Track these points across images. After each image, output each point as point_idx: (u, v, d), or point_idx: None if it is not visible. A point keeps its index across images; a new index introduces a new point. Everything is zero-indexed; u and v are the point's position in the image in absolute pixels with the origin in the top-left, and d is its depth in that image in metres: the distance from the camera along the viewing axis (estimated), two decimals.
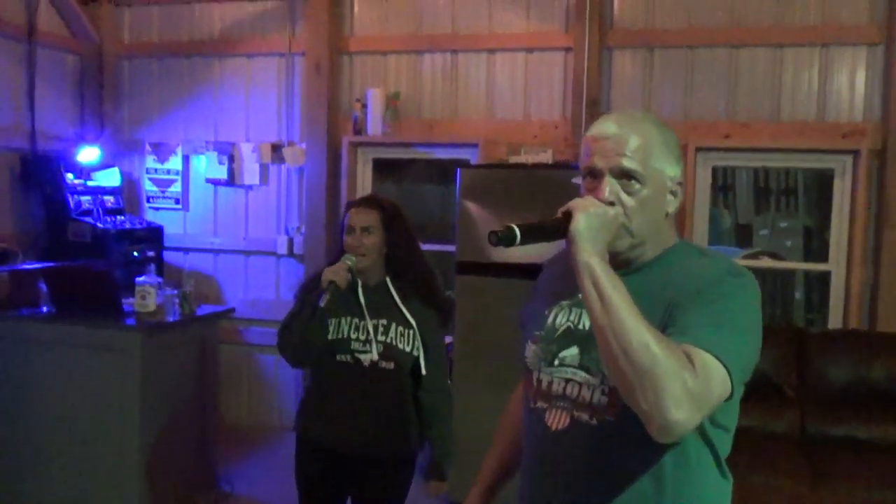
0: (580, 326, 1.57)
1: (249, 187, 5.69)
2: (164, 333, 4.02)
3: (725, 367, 1.35)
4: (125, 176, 5.83)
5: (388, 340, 2.64)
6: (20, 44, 5.26)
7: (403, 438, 2.71)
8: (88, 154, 5.39)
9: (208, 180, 5.75)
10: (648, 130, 1.53)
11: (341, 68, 5.44)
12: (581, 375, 1.53)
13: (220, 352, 5.74)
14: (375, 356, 2.62)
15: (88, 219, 5.19)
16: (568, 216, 1.43)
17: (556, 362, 1.57)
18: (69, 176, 5.29)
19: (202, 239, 5.79)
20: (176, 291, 4.17)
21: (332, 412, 2.69)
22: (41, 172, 5.24)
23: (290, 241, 5.57)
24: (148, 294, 3.95)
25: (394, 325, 2.65)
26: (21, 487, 4.09)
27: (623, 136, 1.51)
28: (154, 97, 5.87)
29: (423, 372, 2.68)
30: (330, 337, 2.64)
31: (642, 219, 1.51)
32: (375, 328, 2.64)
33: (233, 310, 4.81)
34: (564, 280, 1.57)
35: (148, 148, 5.85)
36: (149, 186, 5.87)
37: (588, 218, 1.41)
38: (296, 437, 2.84)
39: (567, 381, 1.55)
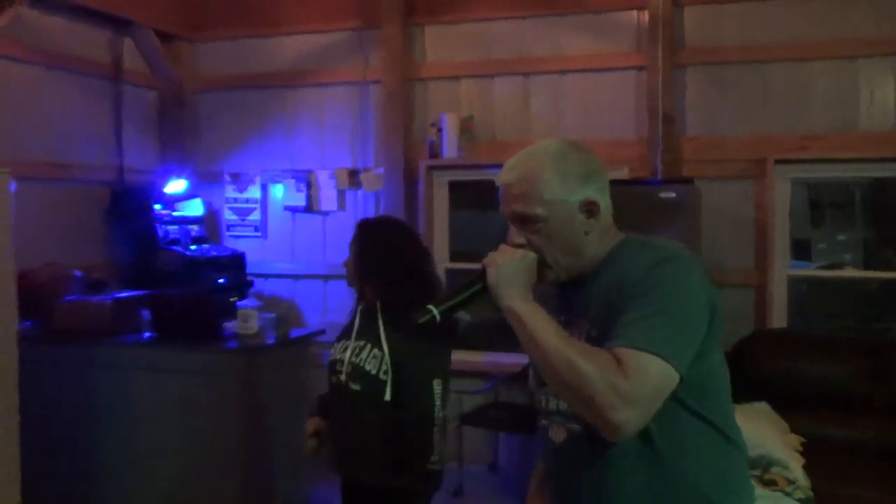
0: None
1: (327, 213, 5.82)
2: (266, 355, 4.14)
3: (662, 357, 1.43)
4: (206, 206, 6.01)
5: (357, 361, 2.58)
6: (107, 82, 5.48)
7: (392, 464, 2.56)
8: (176, 185, 5.57)
9: (286, 208, 5.90)
10: (538, 167, 1.62)
11: (414, 95, 5.58)
12: None
13: (301, 376, 5.90)
14: (344, 376, 2.61)
15: (177, 248, 5.36)
16: (483, 273, 1.60)
17: (546, 382, 1.64)
18: (157, 207, 5.47)
19: (281, 265, 5.93)
20: (273, 315, 4.30)
21: (334, 436, 2.76)
22: (129, 205, 5.42)
23: None
24: (250, 317, 4.09)
25: (368, 347, 2.59)
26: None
27: (512, 181, 1.63)
28: (231, 129, 6.05)
29: (387, 397, 2.52)
30: (330, 358, 2.73)
31: (556, 248, 1.61)
32: (353, 350, 2.62)
33: (323, 331, 4.91)
34: (551, 301, 1.68)
35: (227, 178, 6.03)
36: (229, 215, 6.04)
37: (498, 269, 1.57)
38: None
39: (557, 396, 1.65)
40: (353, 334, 2.68)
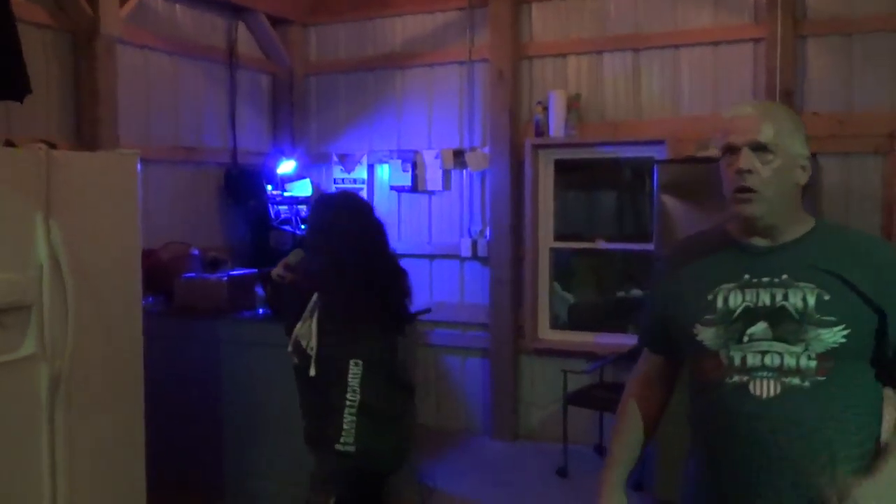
0: (760, 304, 1.71)
1: (433, 193, 5.86)
2: None
3: None
4: (315, 186, 6.15)
5: (298, 336, 2.65)
6: (223, 67, 5.66)
7: (308, 440, 2.71)
8: (286, 167, 5.72)
9: (392, 187, 5.97)
10: (779, 114, 1.76)
11: (521, 73, 5.53)
12: (779, 346, 1.68)
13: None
14: (290, 348, 2.67)
15: (287, 227, 5.51)
16: None
17: (746, 339, 1.71)
18: (269, 188, 5.63)
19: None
20: None
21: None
22: (244, 186, 5.60)
23: (475, 244, 5.70)
24: None
25: (307, 323, 2.63)
26: (246, 470, 4.40)
27: (757, 116, 1.73)
28: (340, 111, 6.15)
29: (311, 373, 2.57)
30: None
31: (776, 186, 1.70)
32: (301, 324, 2.65)
33: (429, 310, 4.96)
34: (718, 265, 1.79)
35: (335, 159, 6.14)
36: None
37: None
38: None
39: (763, 353, 1.70)
40: (309, 310, 2.69)
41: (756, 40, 4.89)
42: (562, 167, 5.62)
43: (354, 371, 2.55)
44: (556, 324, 5.79)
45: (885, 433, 1.75)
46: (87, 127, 4.48)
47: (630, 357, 4.88)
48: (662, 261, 2.06)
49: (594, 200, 6.25)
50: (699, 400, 1.82)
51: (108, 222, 3.60)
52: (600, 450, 5.30)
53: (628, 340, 4.90)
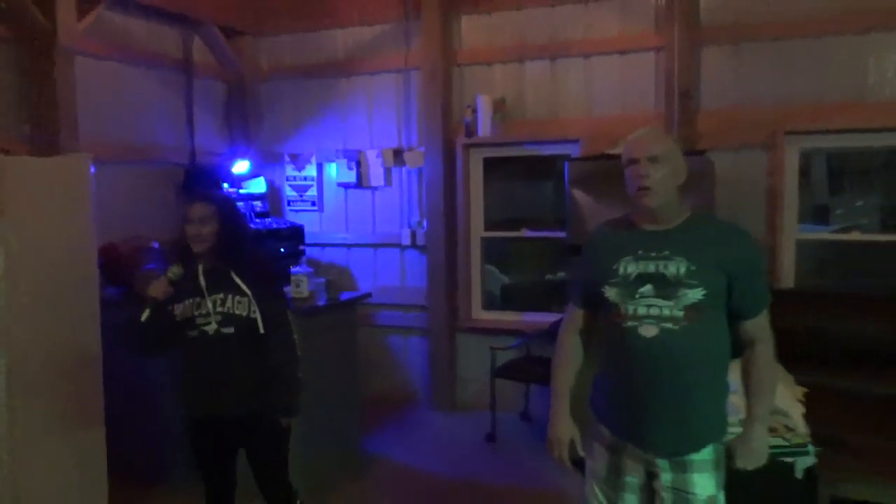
0: (648, 271, 2.18)
1: (376, 188, 5.89)
2: (317, 316, 4.23)
3: None
4: (269, 184, 6.13)
5: (226, 310, 2.79)
6: (179, 75, 5.61)
7: (261, 390, 2.85)
8: (241, 166, 5.70)
9: (339, 184, 5.99)
10: (665, 138, 2.24)
11: (452, 78, 5.57)
12: (660, 301, 2.16)
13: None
14: (215, 325, 2.78)
15: None
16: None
17: (637, 296, 2.18)
18: (224, 185, 5.61)
19: (336, 235, 6.03)
20: (323, 280, 4.39)
21: (197, 383, 2.88)
22: (201, 184, 5.55)
23: (413, 234, 5.74)
24: (302, 282, 4.18)
25: (230, 297, 2.80)
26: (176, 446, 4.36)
27: (651, 137, 2.21)
28: (290, 114, 6.14)
29: (262, 330, 2.81)
30: (178, 319, 2.81)
31: (664, 185, 2.16)
32: (214, 302, 2.79)
33: (369, 294, 5.00)
34: (624, 243, 2.24)
35: (287, 158, 6.13)
36: (289, 192, 6.15)
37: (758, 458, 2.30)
38: (183, 416, 2.99)
39: (649, 306, 2.17)
40: (205, 291, 2.81)
41: (658, 48, 4.99)
42: (491, 163, 5.68)
43: (291, 318, 2.96)
44: (488, 305, 5.87)
45: (756, 400, 2.27)
46: (46, 132, 4.42)
47: (551, 333, 5.00)
48: (586, 241, 2.45)
49: (521, 193, 6.32)
50: (607, 337, 2.27)
51: (61, 221, 3.58)
52: (526, 416, 5.41)
53: (551, 318, 4.98)
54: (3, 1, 4.22)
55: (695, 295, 2.12)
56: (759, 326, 2.23)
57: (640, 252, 2.20)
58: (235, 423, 2.89)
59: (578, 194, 4.29)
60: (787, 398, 3.73)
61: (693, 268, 2.13)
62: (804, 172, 6.80)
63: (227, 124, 6.12)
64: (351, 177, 5.90)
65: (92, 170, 3.73)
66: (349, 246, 6.02)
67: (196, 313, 2.80)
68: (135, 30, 5.25)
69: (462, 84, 5.57)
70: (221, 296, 2.80)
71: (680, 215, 2.22)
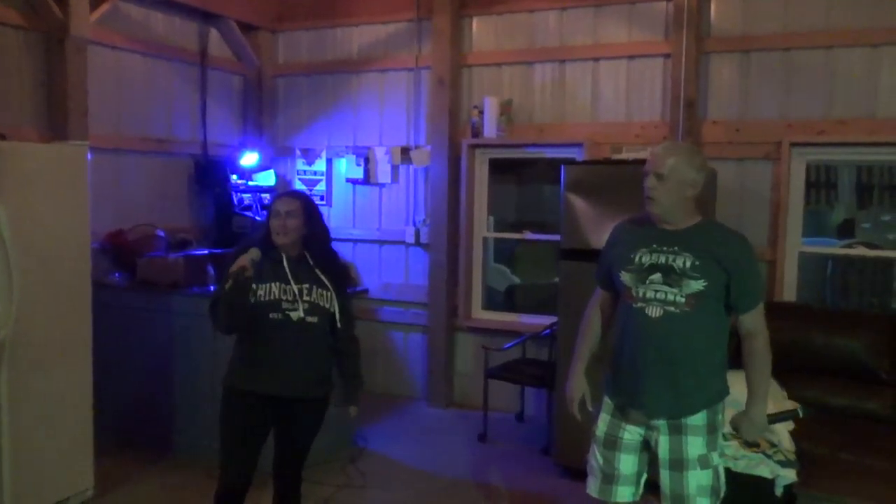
0: (659, 262, 2.50)
1: (383, 185, 5.85)
2: None
3: None
4: (280, 177, 6.13)
5: (312, 300, 2.88)
6: (195, 68, 5.62)
7: (326, 378, 3.00)
8: (249, 158, 5.70)
9: (348, 180, 5.96)
10: (678, 153, 2.51)
11: (461, 80, 5.51)
12: (666, 288, 2.48)
13: (358, 329, 5.98)
14: (302, 313, 2.85)
15: (249, 213, 5.50)
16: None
17: (647, 282, 2.51)
18: (234, 177, 5.61)
19: (343, 230, 6.00)
20: None
21: (268, 362, 2.88)
22: (211, 175, 5.59)
23: (417, 232, 5.70)
24: None
25: (315, 288, 2.89)
26: (198, 431, 4.41)
27: (662, 154, 2.50)
28: (303, 109, 6.13)
29: (339, 325, 2.94)
30: (263, 300, 2.84)
31: (667, 198, 2.48)
32: (300, 291, 2.87)
33: (366, 291, 4.97)
34: (642, 237, 2.56)
35: (298, 153, 6.12)
36: (299, 185, 6.14)
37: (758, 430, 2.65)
38: (224, 391, 2.97)
39: (656, 291, 2.49)
40: (291, 279, 2.87)
41: (666, 55, 4.87)
42: (498, 165, 5.60)
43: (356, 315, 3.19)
44: (490, 304, 5.80)
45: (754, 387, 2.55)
46: (57, 120, 4.45)
47: (544, 337, 4.92)
48: (611, 232, 2.74)
49: (526, 195, 6.24)
50: (621, 315, 2.61)
51: (57, 206, 3.60)
52: (521, 417, 5.33)
53: (549, 321, 4.89)
54: None
55: (697, 285, 2.45)
56: (754, 320, 2.51)
57: (654, 245, 2.52)
58: (290, 405, 2.92)
59: (573, 199, 4.19)
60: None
61: (697, 263, 2.45)
62: (830, 185, 6.64)
63: (241, 118, 6.12)
64: (359, 173, 5.87)
65: (89, 157, 3.75)
66: (355, 241, 5.99)
67: (283, 297, 2.85)
68: (153, 22, 5.28)
69: (471, 85, 5.50)
70: (307, 286, 2.88)
71: (690, 219, 2.53)
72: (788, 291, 4.64)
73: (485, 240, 5.66)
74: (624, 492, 2.62)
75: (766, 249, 4.62)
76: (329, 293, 2.91)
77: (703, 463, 2.50)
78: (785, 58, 4.63)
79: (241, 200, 5.55)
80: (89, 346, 3.81)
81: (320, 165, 6.05)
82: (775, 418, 3.04)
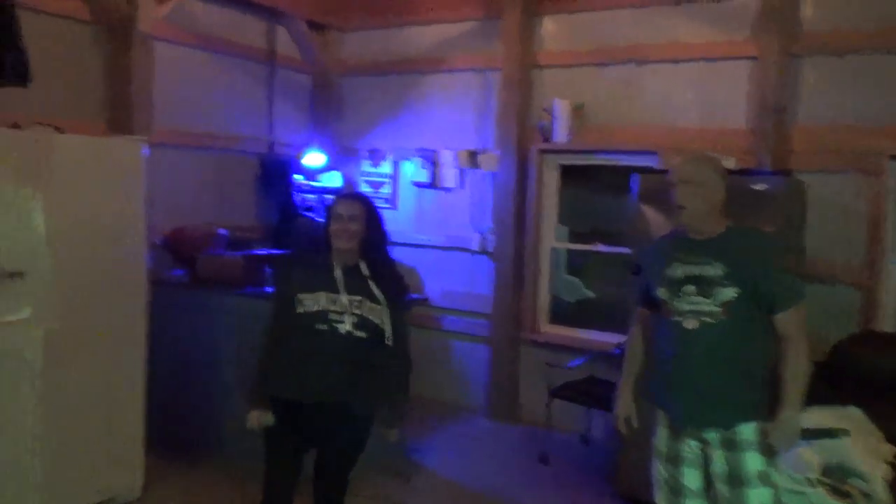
0: (692, 274, 2.52)
1: (449, 190, 5.65)
2: None
3: None
4: (346, 179, 6.01)
5: (362, 314, 2.70)
6: (261, 66, 5.56)
7: (370, 396, 2.79)
8: (314, 159, 5.59)
9: (414, 183, 5.79)
10: (702, 163, 2.58)
11: (532, 81, 5.25)
12: (700, 299, 2.50)
13: (419, 336, 5.78)
14: (349, 326, 2.68)
15: (311, 214, 5.38)
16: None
17: (681, 294, 2.54)
18: (298, 177, 5.52)
19: (408, 235, 5.82)
20: None
21: (310, 374, 2.71)
22: (276, 175, 5.51)
23: (483, 240, 5.47)
24: None
25: (366, 302, 2.71)
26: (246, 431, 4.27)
27: (687, 164, 2.58)
28: (370, 110, 5.99)
29: (389, 343, 2.75)
30: (310, 310, 2.68)
31: (695, 205, 2.51)
32: (350, 303, 2.70)
33: (426, 300, 4.77)
34: (673, 251, 2.60)
35: (364, 154, 5.99)
36: (365, 188, 6.01)
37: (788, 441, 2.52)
38: (270, 400, 2.79)
39: (691, 302, 2.51)
40: (341, 289, 2.70)
41: (751, 57, 4.50)
42: (568, 171, 5.31)
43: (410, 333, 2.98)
44: (558, 317, 5.51)
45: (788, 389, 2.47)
46: (122, 115, 4.43)
47: (615, 356, 4.60)
48: (646, 250, 2.88)
49: (601, 202, 5.93)
50: (658, 329, 2.66)
51: (111, 200, 3.54)
52: (586, 440, 5.02)
53: (615, 338, 4.58)
54: None
55: (729, 294, 2.45)
56: (788, 323, 2.47)
57: (685, 257, 2.55)
58: (332, 416, 2.76)
59: (647, 210, 3.89)
60: (870, 458, 3.21)
61: (728, 270, 2.46)
62: None
63: (308, 117, 6.04)
64: (425, 177, 5.69)
65: (145, 152, 3.68)
66: (419, 247, 5.80)
67: (330, 308, 2.69)
68: (220, 19, 5.23)
69: (542, 87, 5.24)
70: (358, 298, 2.71)
71: (719, 226, 2.54)
72: (889, 320, 4.18)
73: (553, 250, 5.38)
74: None
75: (861, 270, 4.19)
76: (381, 308, 2.73)
77: (764, 479, 2.48)
78: (887, 60, 4.19)
79: (304, 201, 5.45)
80: (143, 343, 3.75)
81: (386, 168, 5.90)
82: (814, 433, 2.97)
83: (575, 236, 5.82)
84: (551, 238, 5.35)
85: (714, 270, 2.46)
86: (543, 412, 4.79)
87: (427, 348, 5.74)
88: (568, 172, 5.34)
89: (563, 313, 5.75)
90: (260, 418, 2.75)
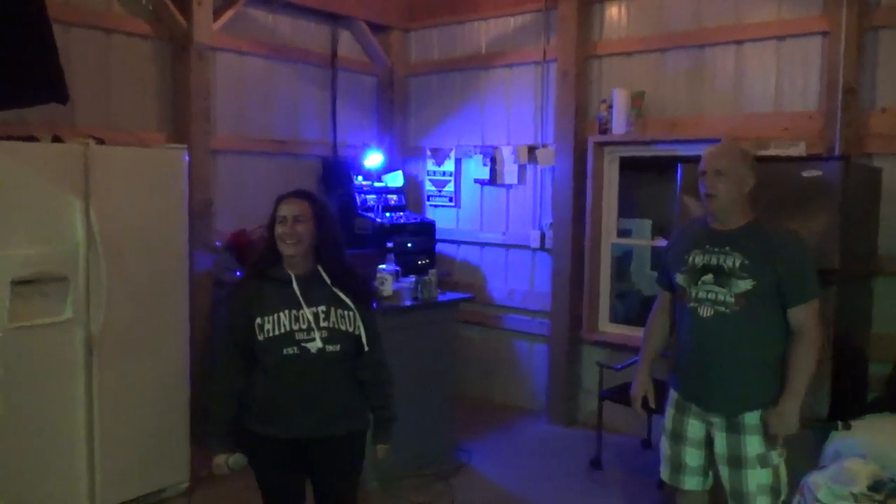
0: (711, 263, 2.58)
1: (510, 186, 5.52)
2: (398, 316, 4.00)
3: None
4: (411, 178, 6.00)
5: (330, 325, 2.44)
6: (325, 69, 5.64)
7: (358, 415, 2.59)
8: (373, 159, 5.61)
9: (476, 181, 5.70)
10: (731, 153, 2.62)
11: (589, 72, 5.04)
12: (717, 288, 2.55)
13: (482, 335, 5.70)
14: (320, 343, 2.41)
15: (370, 214, 5.41)
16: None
17: (700, 282, 2.60)
18: (358, 178, 5.56)
19: (471, 233, 5.75)
20: (413, 279, 4.15)
21: (289, 404, 2.45)
22: (337, 176, 5.56)
23: (543, 236, 5.31)
24: (385, 281, 3.97)
25: (333, 309, 2.46)
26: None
27: (717, 153, 2.62)
28: (433, 108, 5.95)
29: (366, 348, 2.52)
30: (272, 334, 2.40)
31: (725, 193, 2.54)
32: (315, 315, 2.43)
33: (472, 298, 4.68)
34: (696, 239, 2.66)
35: (428, 153, 5.96)
36: (429, 187, 5.98)
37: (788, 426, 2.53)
38: (248, 436, 2.51)
39: (708, 291, 2.57)
40: (302, 302, 2.43)
41: (824, 33, 4.10)
42: (627, 163, 5.07)
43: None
44: (620, 317, 5.28)
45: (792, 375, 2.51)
46: (181, 125, 4.60)
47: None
48: (670, 236, 2.96)
49: (660, 196, 5.61)
50: (677, 314, 2.72)
51: (153, 207, 3.67)
52: (647, 444, 4.78)
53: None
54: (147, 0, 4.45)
55: (745, 285, 2.50)
56: (800, 318, 2.51)
57: (707, 246, 2.60)
58: (319, 447, 2.52)
59: (690, 202, 3.63)
60: None
61: (746, 262, 2.51)
62: None
63: (372, 118, 6.06)
64: (486, 174, 5.59)
65: (186, 159, 3.80)
66: (483, 245, 5.72)
67: (295, 327, 2.41)
68: (280, 26, 5.34)
69: (600, 77, 5.01)
70: (323, 308, 2.44)
71: (744, 217, 2.58)
72: None
73: (612, 246, 5.15)
74: (691, 481, 2.75)
75: None
76: (351, 313, 2.47)
77: (763, 462, 2.55)
78: None
79: (364, 202, 5.47)
80: (186, 342, 3.88)
81: (449, 166, 5.84)
82: (811, 424, 2.99)
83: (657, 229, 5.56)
84: (612, 233, 5.11)
85: (732, 261, 2.52)
86: (605, 414, 4.59)
87: (489, 348, 5.65)
88: (630, 165, 5.08)
89: (626, 311, 5.53)
90: (229, 461, 2.48)
